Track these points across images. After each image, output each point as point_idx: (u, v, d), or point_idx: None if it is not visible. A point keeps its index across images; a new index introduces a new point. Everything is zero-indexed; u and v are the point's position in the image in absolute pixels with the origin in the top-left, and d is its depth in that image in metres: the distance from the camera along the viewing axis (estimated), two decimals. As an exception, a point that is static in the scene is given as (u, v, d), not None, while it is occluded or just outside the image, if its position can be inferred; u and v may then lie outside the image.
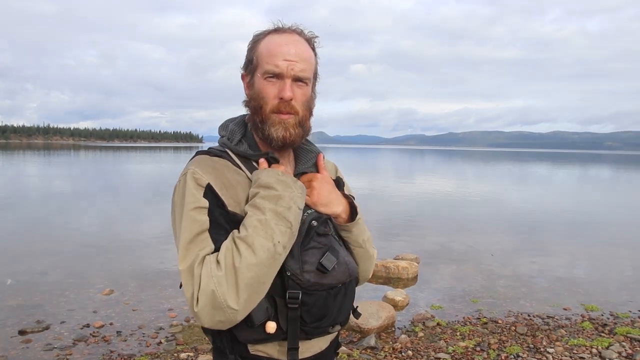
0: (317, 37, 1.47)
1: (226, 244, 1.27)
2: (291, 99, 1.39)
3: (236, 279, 1.22)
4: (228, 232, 1.31)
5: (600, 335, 5.55)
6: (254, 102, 1.42)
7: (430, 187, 26.16)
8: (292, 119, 1.41)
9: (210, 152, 1.46)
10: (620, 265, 9.22)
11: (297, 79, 1.39)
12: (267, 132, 1.41)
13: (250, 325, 1.30)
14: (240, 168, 1.43)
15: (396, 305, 6.45)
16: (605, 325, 5.94)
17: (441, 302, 6.78)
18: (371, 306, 5.86)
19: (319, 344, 1.46)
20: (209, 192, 1.33)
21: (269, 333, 1.32)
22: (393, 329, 5.76)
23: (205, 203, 1.31)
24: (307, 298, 1.32)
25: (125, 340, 5.27)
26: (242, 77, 1.49)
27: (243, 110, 1.52)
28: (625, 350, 5.12)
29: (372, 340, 5.18)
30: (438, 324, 5.89)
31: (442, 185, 27.90)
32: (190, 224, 1.29)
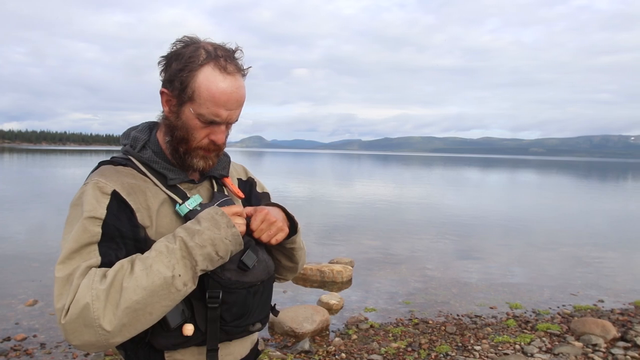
0: (250, 67, 1.41)
1: (122, 262, 1.20)
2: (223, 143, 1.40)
3: (119, 299, 1.14)
4: (120, 249, 1.25)
5: (523, 332, 5.83)
6: (179, 132, 1.36)
7: (365, 191, 26.58)
8: (215, 153, 1.43)
9: (113, 161, 1.41)
10: (543, 265, 9.71)
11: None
12: (189, 163, 1.40)
13: (166, 329, 1.27)
14: (146, 175, 1.38)
15: (330, 309, 6.51)
16: (528, 322, 6.24)
17: (375, 305, 6.90)
18: (306, 310, 5.89)
19: (240, 349, 1.47)
20: (115, 200, 1.28)
21: (187, 336, 1.30)
22: (327, 332, 5.82)
23: (102, 214, 1.25)
24: (228, 296, 1.31)
25: (50, 353, 5.04)
26: (162, 93, 1.38)
27: None
28: (545, 345, 5.41)
29: (306, 344, 5.21)
30: (371, 326, 6.00)
31: (377, 189, 28.43)
32: (80, 233, 1.22)
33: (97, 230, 1.23)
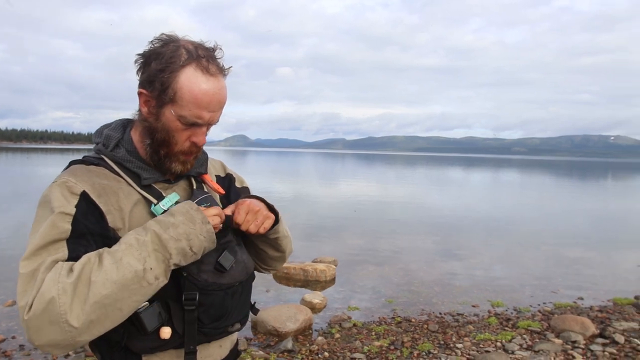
0: (230, 67, 1.37)
1: (89, 255, 1.15)
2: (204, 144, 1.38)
3: (87, 293, 1.09)
4: (90, 245, 1.20)
5: (504, 329, 5.88)
6: (160, 135, 1.33)
7: (349, 191, 26.63)
8: (194, 156, 1.41)
9: (85, 160, 1.37)
10: (524, 263, 9.82)
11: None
12: (167, 166, 1.37)
13: (142, 333, 1.24)
14: (119, 175, 1.35)
15: (314, 308, 6.52)
16: (509, 319, 6.30)
17: (358, 303, 6.92)
18: (289, 309, 5.88)
19: (219, 351, 1.45)
20: (84, 201, 1.23)
21: (164, 339, 1.27)
22: (310, 331, 5.82)
23: (72, 211, 1.20)
24: (205, 298, 1.29)
25: (29, 355, 4.98)
26: (141, 94, 1.34)
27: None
28: (526, 342, 5.47)
29: (289, 344, 5.21)
30: (354, 324, 6.01)
31: (361, 189, 28.50)
32: (48, 229, 1.17)
33: (66, 226, 1.19)
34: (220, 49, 1.35)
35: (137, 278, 1.14)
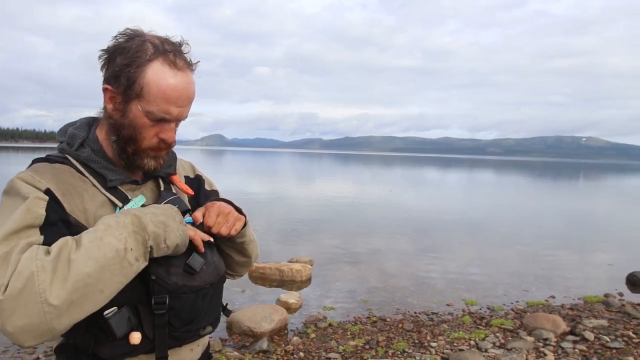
0: (198, 62, 1.33)
1: (66, 238, 1.11)
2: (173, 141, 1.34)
3: (67, 272, 1.05)
4: (63, 233, 1.15)
5: (478, 328, 5.95)
6: (126, 131, 1.29)
7: (325, 191, 26.66)
8: (165, 152, 1.38)
9: (49, 159, 1.31)
10: (498, 262, 9.95)
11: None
12: (139, 163, 1.33)
13: (111, 339, 1.20)
14: (84, 175, 1.30)
15: (289, 308, 6.50)
16: (483, 318, 6.37)
17: (333, 303, 6.93)
18: (264, 310, 5.86)
19: (190, 355, 1.42)
20: (49, 197, 1.19)
21: (134, 344, 1.23)
22: (286, 331, 5.80)
23: (45, 197, 1.17)
24: (175, 302, 1.25)
25: (-3, 358, 4.87)
26: (106, 90, 1.29)
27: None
28: (499, 340, 5.54)
29: (264, 344, 5.18)
30: (330, 324, 6.02)
31: (338, 189, 28.56)
32: (23, 214, 1.13)
33: (41, 212, 1.15)
34: (187, 44, 1.32)
35: (118, 257, 1.11)
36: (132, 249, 1.14)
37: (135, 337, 1.23)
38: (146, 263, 1.19)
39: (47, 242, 1.11)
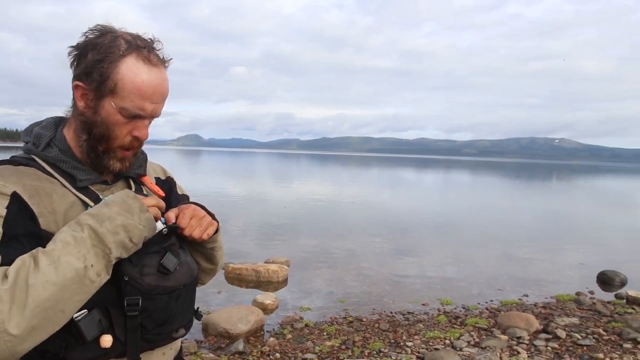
0: (171, 59, 1.32)
1: (23, 257, 1.07)
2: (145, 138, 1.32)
3: (25, 298, 1.01)
4: (24, 248, 1.12)
5: (453, 327, 6.01)
6: (99, 129, 1.26)
7: (302, 191, 26.67)
8: (133, 152, 1.35)
9: (13, 161, 1.28)
10: (473, 262, 10.07)
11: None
12: (105, 163, 1.30)
13: (81, 342, 1.16)
14: (52, 176, 1.27)
15: (266, 309, 6.48)
16: (458, 317, 6.44)
17: (310, 304, 6.92)
18: (240, 311, 5.83)
19: (162, 358, 1.39)
20: (15, 202, 1.15)
21: (105, 348, 1.20)
22: (262, 332, 5.78)
23: (3, 212, 1.12)
24: (148, 303, 1.22)
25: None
26: (77, 87, 1.26)
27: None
28: (474, 339, 5.61)
29: (240, 345, 5.15)
30: (306, 325, 6.01)
31: (314, 189, 28.59)
32: None
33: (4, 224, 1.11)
34: (159, 41, 1.30)
35: (78, 277, 1.08)
36: (92, 265, 1.10)
37: (106, 340, 1.20)
38: (109, 276, 1.15)
39: (6, 262, 1.07)
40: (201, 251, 1.49)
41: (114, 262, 1.16)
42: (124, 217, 1.17)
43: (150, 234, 1.23)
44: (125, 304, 1.20)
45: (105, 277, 1.14)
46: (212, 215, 1.46)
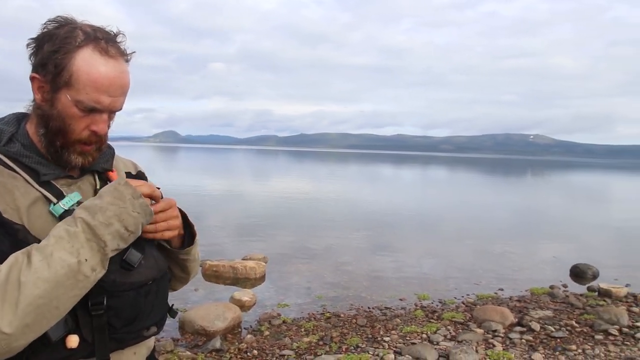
0: (134, 52, 1.29)
1: (16, 254, 1.06)
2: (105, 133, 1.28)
3: (18, 296, 1.01)
4: (2, 241, 1.10)
5: (430, 321, 6.06)
6: (55, 123, 1.22)
7: (280, 188, 26.61)
8: (95, 147, 1.30)
9: None
10: (449, 257, 10.18)
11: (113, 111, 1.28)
12: (66, 159, 1.26)
13: (46, 343, 1.13)
14: (15, 171, 1.23)
15: (243, 306, 6.45)
16: (435, 311, 6.50)
17: (288, 300, 6.92)
18: (217, 308, 5.79)
19: (133, 358, 1.35)
20: None
21: (72, 348, 1.16)
22: (239, 329, 5.75)
23: None
24: (114, 301, 1.19)
25: None
26: (33, 79, 1.23)
27: None
28: (450, 333, 5.66)
29: (217, 343, 5.12)
30: (284, 321, 6.00)
31: (293, 186, 28.55)
32: None
33: None
34: (123, 34, 1.27)
35: (71, 272, 1.06)
36: (86, 260, 1.09)
37: (73, 341, 1.16)
38: (105, 270, 1.13)
39: None
40: (175, 260, 1.46)
41: (110, 255, 1.14)
42: (116, 206, 1.15)
43: (148, 220, 1.21)
44: (90, 303, 1.17)
45: (101, 272, 1.12)
46: (192, 226, 1.45)
